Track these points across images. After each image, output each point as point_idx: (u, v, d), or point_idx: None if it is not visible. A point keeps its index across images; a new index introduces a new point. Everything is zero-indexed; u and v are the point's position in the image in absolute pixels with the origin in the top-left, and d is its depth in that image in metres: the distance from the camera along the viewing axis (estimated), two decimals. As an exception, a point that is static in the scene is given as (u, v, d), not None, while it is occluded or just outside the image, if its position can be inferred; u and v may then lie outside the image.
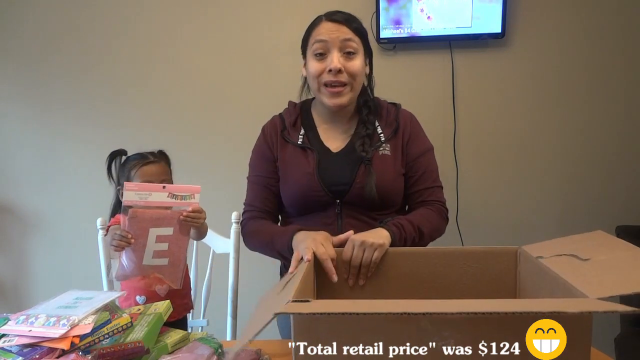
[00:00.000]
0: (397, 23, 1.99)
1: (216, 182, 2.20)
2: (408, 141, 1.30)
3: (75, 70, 2.17)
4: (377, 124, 1.31)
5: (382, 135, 1.29)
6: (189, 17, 2.12)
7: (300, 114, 1.36)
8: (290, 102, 1.41)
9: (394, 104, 1.36)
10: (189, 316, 1.48)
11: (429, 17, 1.99)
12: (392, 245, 1.10)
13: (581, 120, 2.09)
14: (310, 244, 1.05)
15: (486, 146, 2.11)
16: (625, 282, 0.73)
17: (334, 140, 1.32)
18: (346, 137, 1.31)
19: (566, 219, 2.12)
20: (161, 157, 1.33)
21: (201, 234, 1.34)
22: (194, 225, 1.20)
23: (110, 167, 1.31)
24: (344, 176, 1.24)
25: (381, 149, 1.27)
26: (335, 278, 1.03)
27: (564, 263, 0.86)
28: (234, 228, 1.53)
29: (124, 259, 1.16)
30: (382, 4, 1.98)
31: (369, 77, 1.34)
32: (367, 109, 1.31)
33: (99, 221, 1.49)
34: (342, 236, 1.10)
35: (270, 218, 1.34)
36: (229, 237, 1.53)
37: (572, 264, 0.84)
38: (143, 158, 1.29)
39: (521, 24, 2.04)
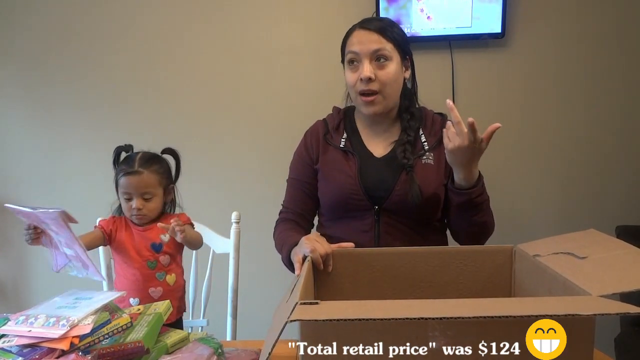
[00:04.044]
0: (397, 23, 1.99)
1: (216, 183, 2.20)
2: None
3: (77, 71, 2.17)
4: (421, 132, 1.31)
5: (425, 144, 1.29)
6: (190, 18, 2.12)
7: (343, 118, 1.38)
8: (334, 108, 1.42)
9: (440, 114, 1.37)
10: (188, 317, 1.49)
11: (429, 17, 1.99)
12: (474, 187, 1.16)
13: (580, 120, 2.09)
14: (305, 241, 1.08)
15: (486, 146, 2.11)
16: (625, 280, 0.73)
17: (376, 145, 1.32)
18: (389, 144, 1.32)
19: (565, 219, 2.12)
20: (150, 164, 1.27)
21: (194, 244, 1.34)
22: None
23: (116, 162, 1.30)
24: (384, 182, 1.24)
25: (424, 157, 1.27)
26: (329, 269, 1.05)
27: (562, 261, 0.86)
28: (233, 228, 1.53)
29: (52, 251, 1.13)
30: (382, 4, 1.98)
31: (412, 81, 1.35)
32: (408, 114, 1.31)
33: (98, 221, 1.48)
34: (342, 244, 1.11)
35: (302, 220, 1.37)
36: (229, 237, 1.53)
37: (570, 262, 0.85)
38: (128, 166, 1.25)
39: (521, 24, 2.04)
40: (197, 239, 1.32)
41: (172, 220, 1.21)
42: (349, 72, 1.27)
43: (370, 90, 1.23)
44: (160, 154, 1.34)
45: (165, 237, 1.27)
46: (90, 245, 1.23)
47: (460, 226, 1.27)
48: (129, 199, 1.25)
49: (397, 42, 1.25)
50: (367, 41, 1.23)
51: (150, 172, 1.26)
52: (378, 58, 1.23)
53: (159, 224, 1.19)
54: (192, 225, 1.35)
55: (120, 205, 1.32)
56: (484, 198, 1.19)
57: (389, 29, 1.24)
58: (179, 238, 1.21)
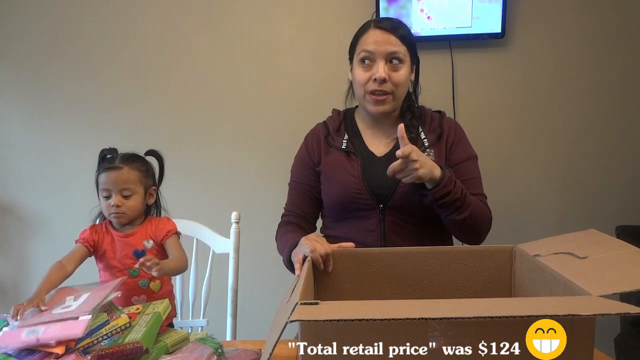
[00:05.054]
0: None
1: (216, 183, 2.20)
2: (451, 147, 1.31)
3: (77, 72, 2.17)
4: (420, 130, 1.32)
5: (425, 140, 1.30)
6: (190, 19, 2.12)
7: (343, 120, 1.38)
8: (334, 110, 1.43)
9: (439, 111, 1.38)
10: (181, 320, 1.48)
11: (429, 17, 1.99)
12: (436, 187, 1.14)
13: (580, 120, 2.09)
14: (305, 242, 1.08)
15: (485, 146, 2.10)
16: (625, 280, 0.73)
17: (378, 145, 1.33)
18: (390, 142, 1.32)
19: (565, 219, 2.12)
20: (131, 161, 1.24)
21: (176, 273, 1.30)
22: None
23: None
24: (388, 180, 1.23)
25: (425, 154, 1.25)
26: (329, 268, 1.05)
27: (562, 261, 0.86)
28: (233, 228, 1.53)
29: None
30: (382, 4, 1.98)
31: (415, 83, 1.36)
32: (410, 114, 1.32)
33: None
34: (343, 244, 1.11)
35: (305, 222, 1.37)
36: (228, 237, 1.53)
37: (570, 262, 0.85)
38: (109, 163, 1.22)
39: (521, 24, 2.04)
40: (178, 268, 1.23)
41: (142, 260, 1.09)
42: (360, 70, 1.26)
43: (383, 91, 1.24)
44: (143, 156, 1.30)
45: (149, 244, 1.23)
46: (79, 263, 1.20)
47: (447, 224, 1.27)
48: (108, 197, 1.21)
49: (410, 46, 1.27)
50: (383, 42, 1.23)
51: (130, 169, 1.22)
52: (392, 60, 1.24)
53: (138, 265, 1.09)
54: (178, 234, 1.28)
55: (100, 213, 1.28)
56: (454, 197, 1.17)
57: (404, 32, 1.26)
58: (154, 274, 1.10)
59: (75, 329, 0.85)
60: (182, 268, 1.24)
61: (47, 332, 0.86)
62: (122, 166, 1.21)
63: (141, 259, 1.08)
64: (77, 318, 0.88)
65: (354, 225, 1.29)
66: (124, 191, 1.21)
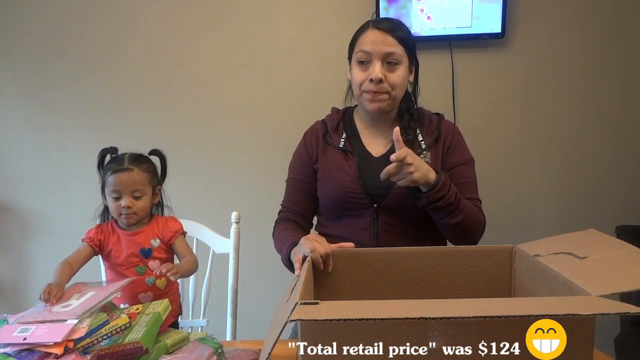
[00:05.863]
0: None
1: (216, 183, 2.20)
2: (448, 150, 1.31)
3: (77, 71, 2.16)
4: (418, 131, 1.32)
5: (422, 142, 1.30)
6: (190, 19, 2.12)
7: (342, 119, 1.39)
8: (333, 108, 1.43)
9: (438, 114, 1.38)
10: (181, 319, 1.48)
11: (429, 17, 1.99)
12: (430, 191, 1.14)
13: (580, 120, 2.09)
14: (304, 242, 1.08)
15: (485, 146, 2.11)
16: (625, 280, 0.73)
17: (375, 145, 1.33)
18: (388, 143, 1.32)
19: (565, 219, 2.12)
20: (140, 162, 1.25)
21: (190, 274, 1.32)
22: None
23: (100, 165, 1.27)
24: (383, 180, 1.24)
25: (422, 156, 1.26)
26: (329, 268, 1.05)
27: (561, 261, 0.86)
28: (233, 228, 1.53)
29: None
30: (382, 4, 1.98)
31: (414, 85, 1.36)
32: (408, 115, 1.33)
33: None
34: (343, 244, 1.11)
35: (302, 219, 1.37)
36: (228, 237, 1.53)
37: (570, 262, 0.85)
38: (118, 164, 1.23)
39: (521, 24, 2.04)
40: (192, 269, 1.26)
41: (162, 269, 1.11)
42: (357, 70, 1.27)
43: (379, 92, 1.25)
44: (147, 155, 1.31)
45: (156, 242, 1.25)
46: (84, 263, 1.21)
47: (440, 228, 1.27)
48: (118, 198, 1.22)
49: (408, 47, 1.27)
50: (380, 42, 1.23)
51: (140, 170, 1.24)
52: (389, 61, 1.24)
53: (151, 265, 1.13)
54: (184, 233, 1.30)
55: (103, 211, 1.29)
56: (447, 201, 1.17)
57: (403, 33, 1.26)
58: (172, 279, 1.15)
59: (58, 333, 0.84)
60: (195, 269, 1.27)
61: (35, 333, 0.86)
62: (132, 168, 1.22)
63: (162, 269, 1.10)
64: (65, 321, 0.88)
65: (348, 224, 1.29)
66: (135, 192, 1.22)
